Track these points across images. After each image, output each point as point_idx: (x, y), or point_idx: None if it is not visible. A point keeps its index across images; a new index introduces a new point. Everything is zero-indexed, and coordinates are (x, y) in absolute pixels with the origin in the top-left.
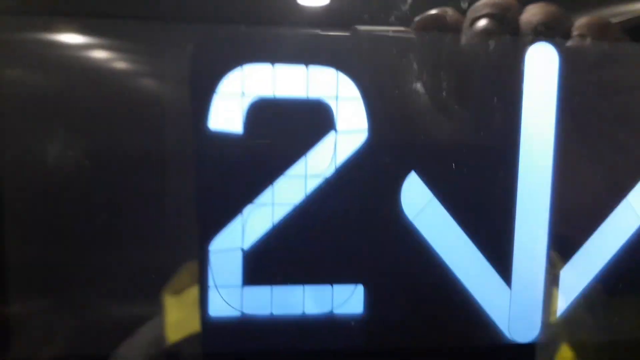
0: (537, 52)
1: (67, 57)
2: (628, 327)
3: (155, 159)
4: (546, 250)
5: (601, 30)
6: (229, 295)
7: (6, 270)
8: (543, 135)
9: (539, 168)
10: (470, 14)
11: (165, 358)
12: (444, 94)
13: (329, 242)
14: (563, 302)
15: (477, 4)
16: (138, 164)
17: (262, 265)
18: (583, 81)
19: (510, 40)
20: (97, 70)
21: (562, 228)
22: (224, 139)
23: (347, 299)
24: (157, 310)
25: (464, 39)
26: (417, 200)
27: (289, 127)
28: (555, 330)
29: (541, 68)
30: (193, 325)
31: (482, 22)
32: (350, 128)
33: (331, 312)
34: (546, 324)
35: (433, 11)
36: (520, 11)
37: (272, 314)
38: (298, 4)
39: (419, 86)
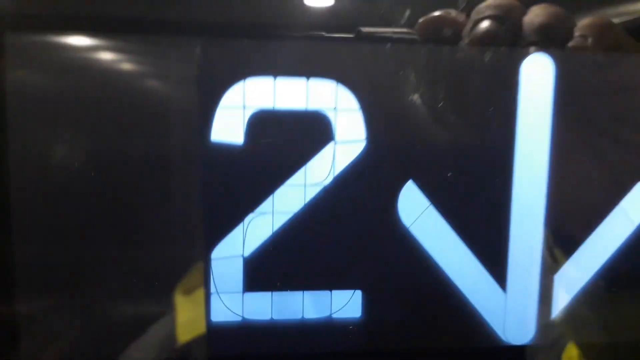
0: (532, 63)
1: (78, 65)
2: (627, 327)
3: (161, 168)
4: (540, 256)
5: (603, 31)
6: (231, 301)
7: (16, 271)
8: (538, 144)
9: (534, 176)
10: (474, 16)
11: (175, 358)
12: (439, 105)
13: (328, 249)
14: (557, 305)
15: (481, 5)
16: (146, 173)
17: (262, 272)
18: (578, 91)
19: (506, 51)
20: (108, 84)
21: (556, 234)
22: (226, 150)
23: (346, 304)
24: (166, 310)
25: (466, 40)
26: (414, 208)
27: (289, 138)
28: (551, 332)
29: (537, 78)
30: (203, 326)
31: (485, 24)
32: (349, 138)
33: (330, 316)
34: (541, 326)
35: (437, 13)
36: (523, 12)
37: (272, 318)
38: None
39: (415, 97)
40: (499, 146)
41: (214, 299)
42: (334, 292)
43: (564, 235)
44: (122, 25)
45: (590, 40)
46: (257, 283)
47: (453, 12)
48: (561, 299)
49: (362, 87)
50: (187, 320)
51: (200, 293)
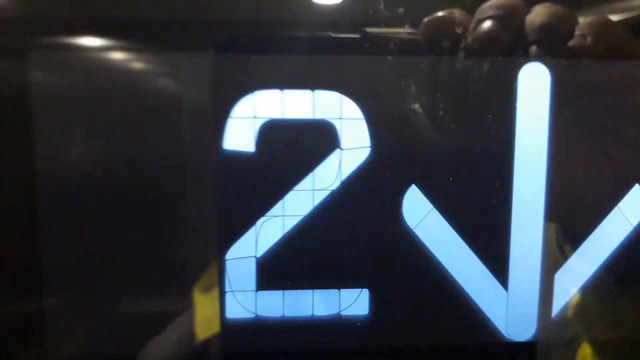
0: (529, 72)
1: (98, 78)
2: (630, 324)
3: (179, 175)
4: (540, 255)
5: (602, 30)
6: (245, 299)
7: (39, 268)
8: (536, 148)
9: (533, 177)
10: (477, 16)
11: (193, 355)
12: (439, 112)
13: (336, 250)
14: (558, 302)
15: (484, 5)
16: (166, 179)
17: (274, 271)
18: (574, 99)
19: (504, 61)
20: (132, 97)
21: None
22: (239, 157)
23: (353, 302)
24: (185, 308)
25: (469, 40)
26: (418, 211)
27: (297, 146)
28: (561, 330)
29: (534, 87)
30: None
31: (487, 24)
32: (354, 146)
33: (338, 314)
34: (550, 325)
35: (440, 13)
36: (527, 11)
37: (284, 315)
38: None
39: (416, 106)
40: (498, 151)
41: (228, 297)
42: (342, 290)
43: (566, 233)
44: (142, 42)
45: (589, 39)
46: (269, 282)
47: (457, 12)
48: (562, 296)
49: (365, 98)
50: (205, 318)
51: (218, 291)
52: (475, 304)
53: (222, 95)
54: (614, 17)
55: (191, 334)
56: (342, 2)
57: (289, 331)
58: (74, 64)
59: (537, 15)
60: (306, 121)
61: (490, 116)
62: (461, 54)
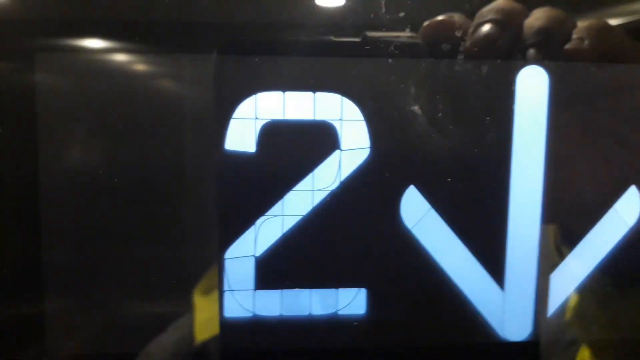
0: (528, 75)
1: (102, 80)
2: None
3: (179, 175)
4: (536, 256)
5: (599, 34)
6: (243, 298)
7: (39, 268)
8: (533, 150)
9: (530, 178)
10: (476, 19)
11: (192, 355)
12: (438, 114)
13: (334, 249)
14: (554, 303)
15: (484, 9)
16: (166, 179)
17: (272, 271)
18: (572, 102)
19: (502, 64)
20: (135, 99)
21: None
22: (240, 158)
23: (351, 301)
24: (183, 309)
25: (468, 44)
26: (416, 211)
27: (297, 147)
28: (559, 331)
29: (532, 89)
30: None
31: (486, 28)
32: (353, 146)
33: (336, 313)
34: (547, 326)
35: (440, 17)
36: (526, 15)
37: (281, 315)
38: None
39: (415, 108)
40: (496, 153)
41: (227, 296)
42: (340, 290)
43: (563, 233)
44: (147, 44)
45: (587, 43)
46: (267, 281)
47: (456, 16)
48: (559, 296)
49: (366, 99)
50: (205, 320)
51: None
52: (471, 303)
53: (224, 97)
54: (612, 21)
55: (191, 335)
56: (343, 6)
57: (286, 330)
58: (79, 65)
59: (535, 18)
60: (307, 122)
61: (488, 118)
62: (460, 57)
